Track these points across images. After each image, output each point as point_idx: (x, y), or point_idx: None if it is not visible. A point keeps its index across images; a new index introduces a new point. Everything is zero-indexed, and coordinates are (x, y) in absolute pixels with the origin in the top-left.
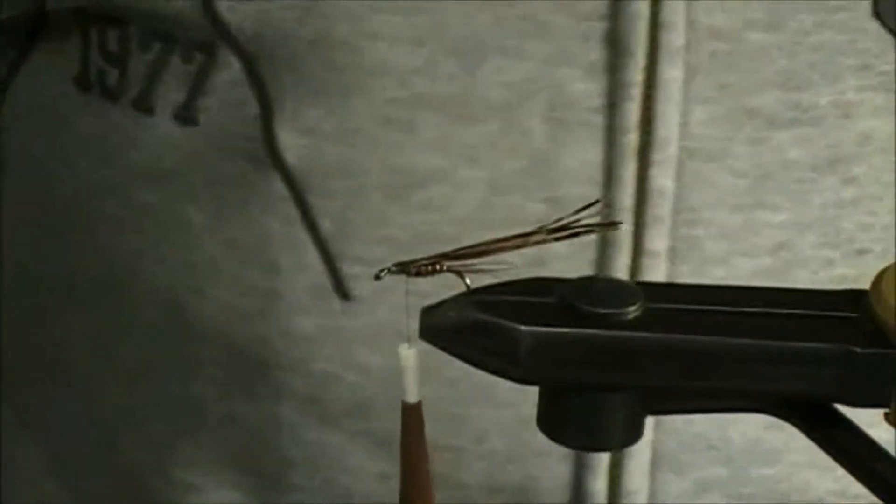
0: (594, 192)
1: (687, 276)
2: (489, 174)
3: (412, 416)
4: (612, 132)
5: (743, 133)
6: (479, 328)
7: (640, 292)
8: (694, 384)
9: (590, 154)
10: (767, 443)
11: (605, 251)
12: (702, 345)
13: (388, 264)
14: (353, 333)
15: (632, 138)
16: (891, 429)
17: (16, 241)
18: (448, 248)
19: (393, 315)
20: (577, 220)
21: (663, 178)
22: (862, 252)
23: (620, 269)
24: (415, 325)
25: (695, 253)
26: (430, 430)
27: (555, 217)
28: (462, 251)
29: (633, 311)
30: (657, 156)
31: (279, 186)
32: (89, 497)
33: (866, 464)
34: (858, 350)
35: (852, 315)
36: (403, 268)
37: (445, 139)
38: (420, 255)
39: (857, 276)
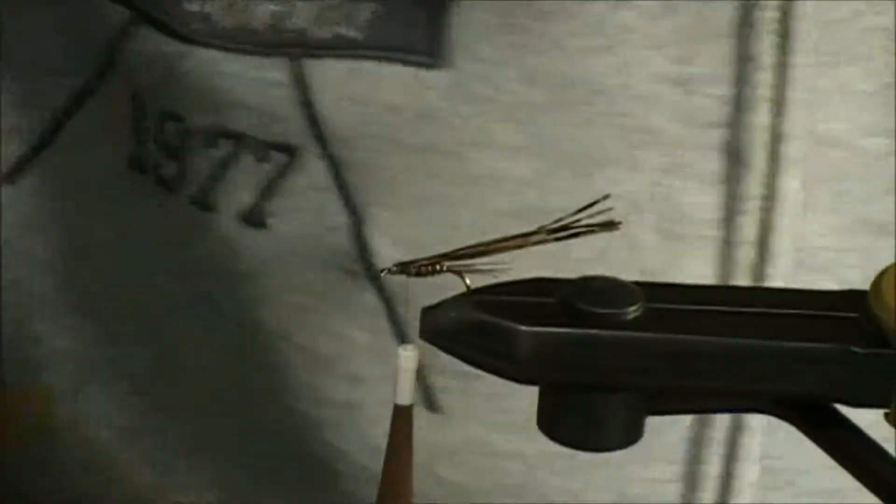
0: None
1: None
2: None
3: (403, 418)
4: (726, 246)
5: (856, 242)
6: (479, 328)
7: (640, 292)
8: (694, 384)
9: (702, 268)
10: None
11: None
12: (702, 345)
13: (390, 265)
14: (437, 447)
15: (747, 252)
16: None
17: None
18: None
19: (483, 430)
20: (578, 220)
21: None
22: None
23: None
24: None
25: None
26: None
27: None
28: (462, 251)
29: (633, 311)
30: (771, 270)
31: (367, 297)
32: None
33: (866, 464)
34: (858, 350)
35: (852, 315)
36: (404, 268)
37: (553, 253)
38: None
39: None
